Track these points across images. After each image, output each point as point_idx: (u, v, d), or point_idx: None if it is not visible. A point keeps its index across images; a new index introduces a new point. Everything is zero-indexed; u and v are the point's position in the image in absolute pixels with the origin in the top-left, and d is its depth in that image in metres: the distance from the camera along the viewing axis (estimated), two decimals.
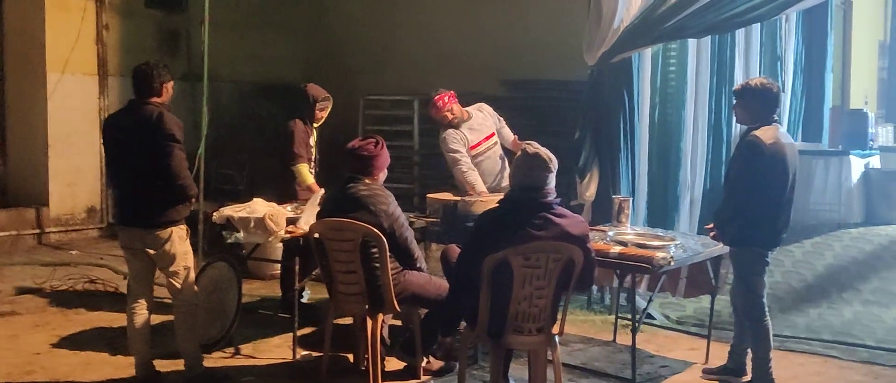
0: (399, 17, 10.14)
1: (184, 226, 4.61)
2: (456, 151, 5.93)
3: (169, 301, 4.74)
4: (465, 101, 6.27)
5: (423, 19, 9.94)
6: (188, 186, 4.49)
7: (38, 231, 8.68)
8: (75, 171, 8.98)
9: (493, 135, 6.15)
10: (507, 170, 6.18)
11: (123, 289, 6.67)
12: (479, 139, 6.07)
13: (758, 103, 4.57)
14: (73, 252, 8.21)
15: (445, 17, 9.72)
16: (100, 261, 7.80)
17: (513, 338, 3.99)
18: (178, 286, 4.58)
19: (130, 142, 4.46)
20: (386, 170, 4.74)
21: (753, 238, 4.53)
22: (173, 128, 4.42)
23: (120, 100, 9.26)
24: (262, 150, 9.11)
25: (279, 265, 6.50)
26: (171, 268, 4.55)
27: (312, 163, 6.13)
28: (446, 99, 5.96)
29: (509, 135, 6.26)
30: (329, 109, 6.13)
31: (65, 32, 8.76)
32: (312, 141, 6.10)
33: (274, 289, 6.52)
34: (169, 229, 4.49)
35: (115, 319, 5.90)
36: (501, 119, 6.30)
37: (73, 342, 5.40)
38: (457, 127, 5.99)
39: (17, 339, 5.43)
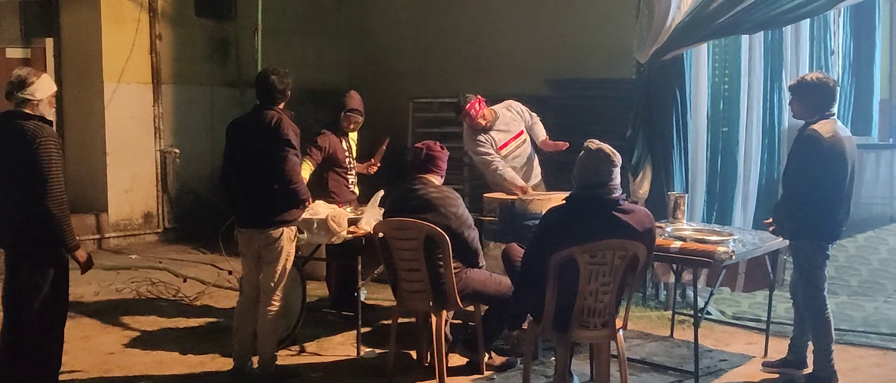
0: (442, 20, 10.22)
1: (294, 229, 4.78)
2: (486, 154, 5.88)
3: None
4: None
5: (466, 22, 10.02)
6: (300, 190, 4.67)
7: (97, 236, 8.92)
8: (132, 178, 9.21)
9: (521, 133, 6.08)
10: (537, 168, 6.18)
11: (184, 292, 6.90)
12: (507, 139, 6.03)
13: (815, 97, 4.59)
14: (133, 256, 8.42)
15: (489, 19, 9.79)
16: (158, 264, 8.02)
17: (578, 333, 4.05)
18: (272, 283, 4.72)
19: (249, 145, 4.65)
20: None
21: (813, 231, 4.55)
22: (290, 133, 4.58)
23: (173, 107, 9.51)
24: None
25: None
26: (273, 265, 4.71)
27: (348, 171, 6.05)
28: (477, 106, 5.87)
29: (541, 132, 6.15)
30: (359, 122, 6.04)
31: (120, 43, 9.00)
32: (345, 146, 6.03)
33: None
34: (281, 229, 4.67)
35: (180, 321, 6.10)
36: (534, 115, 6.19)
37: (143, 342, 5.58)
38: (488, 130, 5.93)
39: (89, 340, 5.61)
